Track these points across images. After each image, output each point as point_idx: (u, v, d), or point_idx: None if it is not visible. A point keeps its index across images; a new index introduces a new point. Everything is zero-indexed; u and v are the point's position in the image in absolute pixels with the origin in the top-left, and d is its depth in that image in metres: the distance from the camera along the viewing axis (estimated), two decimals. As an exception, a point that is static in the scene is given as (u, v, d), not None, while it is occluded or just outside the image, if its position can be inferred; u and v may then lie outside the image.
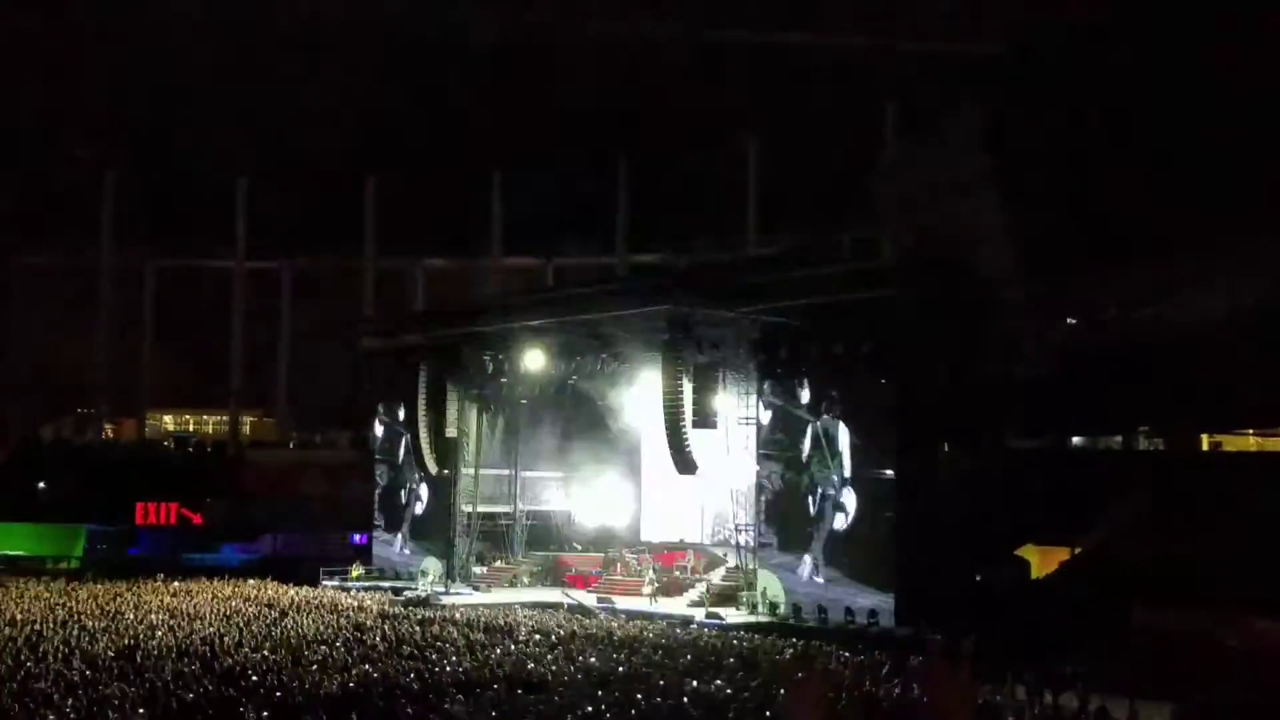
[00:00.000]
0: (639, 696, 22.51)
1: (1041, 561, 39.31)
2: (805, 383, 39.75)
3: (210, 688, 23.16)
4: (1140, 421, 41.23)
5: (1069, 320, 40.15)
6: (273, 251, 68.07)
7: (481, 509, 49.94)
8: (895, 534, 37.26)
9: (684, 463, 42.32)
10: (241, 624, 33.54)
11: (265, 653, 27.88)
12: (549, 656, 28.08)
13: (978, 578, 37.59)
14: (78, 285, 67.55)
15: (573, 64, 58.61)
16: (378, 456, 53.15)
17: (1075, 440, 43.46)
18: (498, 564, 49.62)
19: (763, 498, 41.29)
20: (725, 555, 44.63)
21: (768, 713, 21.23)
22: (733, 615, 39.33)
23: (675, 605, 41.49)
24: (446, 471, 49.79)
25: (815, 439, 39.52)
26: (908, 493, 37.16)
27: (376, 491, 53.33)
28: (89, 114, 62.21)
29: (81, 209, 65.93)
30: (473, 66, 60.81)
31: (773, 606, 38.49)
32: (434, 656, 27.78)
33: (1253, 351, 35.29)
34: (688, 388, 41.16)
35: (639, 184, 61.72)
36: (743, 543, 42.00)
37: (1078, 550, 38.33)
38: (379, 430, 53.84)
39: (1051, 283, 39.78)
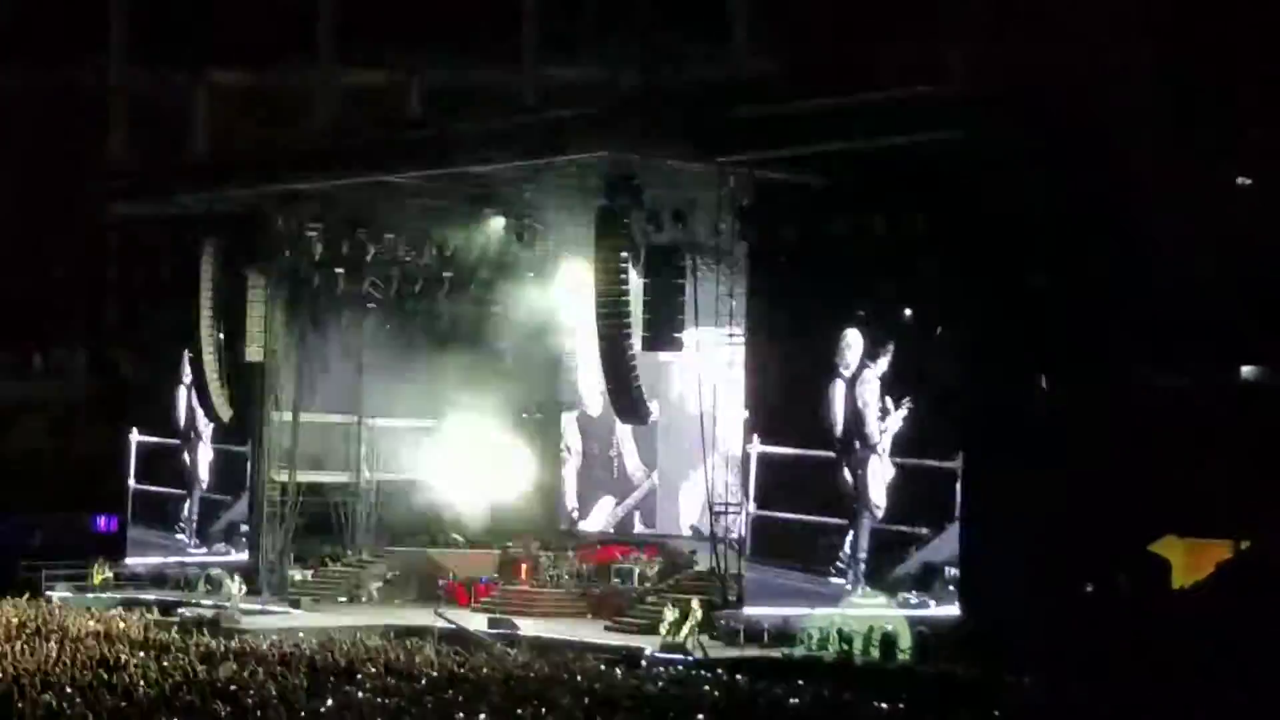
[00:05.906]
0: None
1: (1188, 561, 31.84)
2: (824, 278, 31.66)
3: None
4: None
5: (1240, 181, 31.08)
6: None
7: (304, 477, 40.52)
8: (960, 516, 29.78)
9: (628, 406, 34.01)
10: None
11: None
12: (411, 714, 23.33)
13: (1088, 587, 30.65)
14: None
15: None
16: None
17: (1245, 372, 33.66)
18: (330, 566, 40.69)
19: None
20: (694, 553, 35.89)
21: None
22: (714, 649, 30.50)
23: (613, 632, 33.30)
24: (242, 418, 40.29)
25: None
26: (980, 454, 30.16)
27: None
28: None
29: None
30: None
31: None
32: (227, 713, 23.49)
33: None
34: (636, 285, 32.75)
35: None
36: (725, 533, 33.12)
37: (1244, 546, 30.77)
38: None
39: (1214, 135, 31.44)
